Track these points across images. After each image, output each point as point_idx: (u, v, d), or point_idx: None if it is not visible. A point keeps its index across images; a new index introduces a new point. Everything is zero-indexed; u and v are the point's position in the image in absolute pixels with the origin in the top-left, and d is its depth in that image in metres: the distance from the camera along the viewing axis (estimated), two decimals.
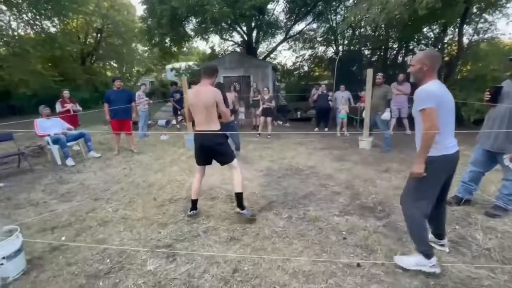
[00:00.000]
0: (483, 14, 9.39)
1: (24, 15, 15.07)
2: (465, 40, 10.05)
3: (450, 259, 2.00)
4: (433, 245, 2.02)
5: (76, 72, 18.27)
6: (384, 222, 2.57)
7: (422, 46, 12.09)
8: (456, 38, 9.64)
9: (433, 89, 1.69)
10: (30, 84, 12.85)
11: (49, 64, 17.65)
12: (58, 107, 5.93)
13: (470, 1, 7.35)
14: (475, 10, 9.05)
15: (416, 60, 1.77)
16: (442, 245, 2.09)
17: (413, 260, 1.86)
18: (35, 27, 15.43)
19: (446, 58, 10.64)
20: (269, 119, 7.08)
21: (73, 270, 2.00)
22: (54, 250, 2.26)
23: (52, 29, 16.14)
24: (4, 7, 14.83)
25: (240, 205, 2.69)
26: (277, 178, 3.92)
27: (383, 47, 12.78)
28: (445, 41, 11.34)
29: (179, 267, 2.00)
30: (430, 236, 2.09)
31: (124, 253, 2.18)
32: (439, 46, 11.40)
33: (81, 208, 3.06)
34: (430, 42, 11.43)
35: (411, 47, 12.47)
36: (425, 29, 11.27)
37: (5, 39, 13.85)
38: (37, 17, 14.94)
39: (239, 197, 2.67)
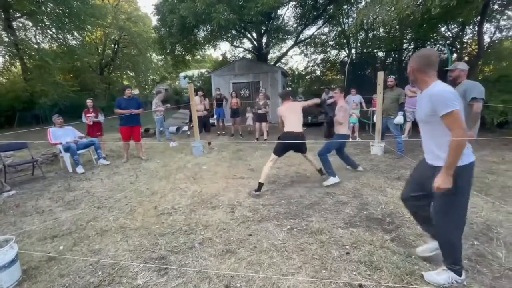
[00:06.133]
0: (506, 11, 8.87)
1: (48, 30, 16.03)
2: (487, 38, 9.53)
3: (467, 281, 1.78)
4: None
5: (95, 82, 19.10)
6: (393, 235, 2.37)
7: (440, 46, 11.59)
8: (476, 37, 9.15)
9: (451, 89, 1.53)
10: (49, 94, 13.52)
11: (70, 75, 18.61)
12: (84, 118, 5.88)
13: None
14: (496, 7, 8.57)
15: (409, 63, 1.71)
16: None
17: (445, 278, 1.73)
18: (58, 41, 16.36)
19: (466, 58, 10.13)
20: (264, 124, 7.12)
21: (65, 283, 1.97)
22: (51, 260, 2.26)
23: (73, 42, 17.01)
24: (30, 23, 15.88)
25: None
26: (282, 186, 3.79)
27: (397, 49, 12.35)
28: (465, 40, 10.81)
29: (169, 281, 1.92)
30: (434, 243, 1.94)
31: (116, 265, 2.13)
32: (458, 46, 10.88)
33: (83, 217, 3.07)
34: (448, 41, 10.91)
35: (427, 48, 11.97)
36: (442, 29, 10.80)
37: (30, 52, 14.77)
38: (59, 31, 15.83)
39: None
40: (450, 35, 11.24)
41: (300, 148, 3.64)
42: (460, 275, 1.72)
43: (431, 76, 1.61)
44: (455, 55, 10.44)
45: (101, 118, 6.02)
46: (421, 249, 2.03)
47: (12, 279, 1.98)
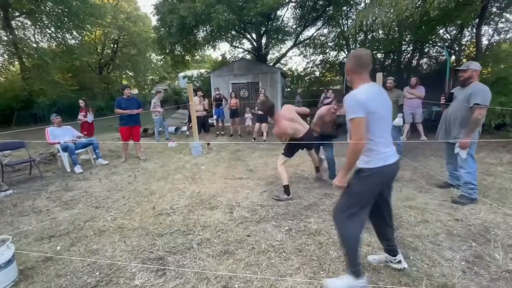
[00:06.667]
0: (504, 14, 8.92)
1: (47, 29, 15.98)
2: (485, 41, 9.57)
3: (464, 282, 1.79)
4: (391, 264, 1.92)
5: (94, 81, 19.05)
6: None
7: (438, 48, 11.65)
8: (475, 39, 9.19)
9: (362, 96, 1.51)
10: (48, 94, 13.48)
11: (69, 74, 18.54)
12: (80, 116, 6.48)
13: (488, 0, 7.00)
14: (494, 10, 8.62)
15: (346, 63, 1.66)
16: (399, 262, 1.90)
17: (345, 283, 1.67)
18: (57, 40, 16.30)
19: (464, 60, 10.18)
20: (264, 125, 7.14)
21: (62, 283, 1.96)
22: (48, 261, 2.24)
23: (72, 41, 16.95)
24: (29, 22, 15.83)
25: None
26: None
27: (396, 50, 12.40)
28: (463, 42, 10.87)
29: (167, 282, 1.91)
30: (384, 256, 1.95)
31: (114, 266, 2.12)
32: (456, 48, 10.94)
33: (80, 217, 3.06)
34: (446, 44, 10.97)
35: (426, 50, 12.04)
36: (441, 31, 10.86)
37: (29, 51, 14.71)
38: (58, 30, 15.78)
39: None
40: (449, 37, 11.30)
41: (309, 146, 3.74)
42: (358, 277, 1.64)
43: (363, 78, 1.59)
44: (453, 57, 10.49)
45: (89, 117, 6.18)
46: (371, 258, 2.05)
47: (8, 279, 1.96)
